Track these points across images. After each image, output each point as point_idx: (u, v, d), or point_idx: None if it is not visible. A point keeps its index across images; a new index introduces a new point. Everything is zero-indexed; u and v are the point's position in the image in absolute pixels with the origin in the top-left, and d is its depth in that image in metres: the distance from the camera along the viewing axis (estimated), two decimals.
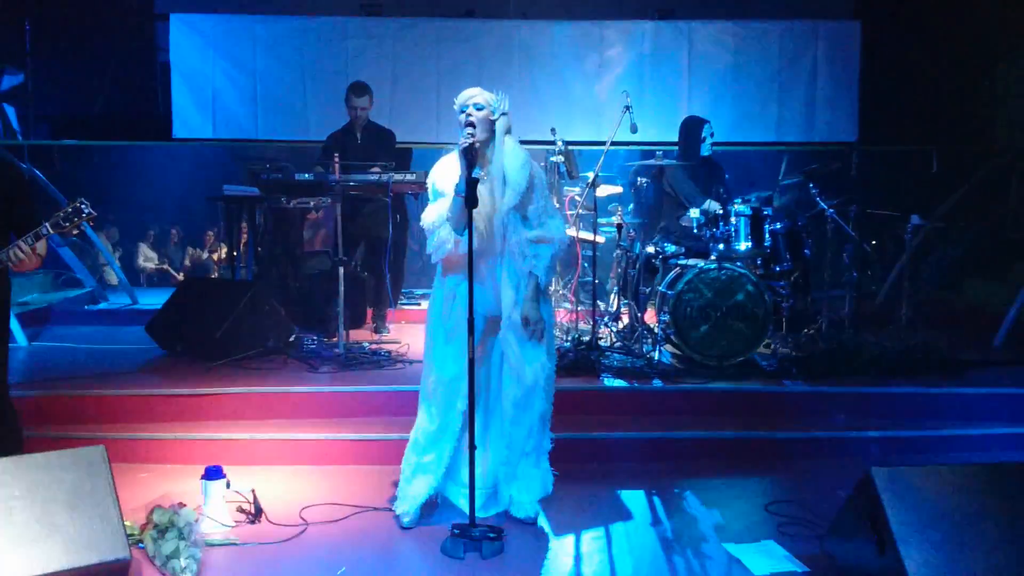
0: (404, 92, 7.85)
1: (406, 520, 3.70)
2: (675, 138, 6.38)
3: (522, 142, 3.71)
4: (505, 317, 3.61)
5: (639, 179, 5.75)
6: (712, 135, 6.19)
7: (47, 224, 3.50)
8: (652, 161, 6.04)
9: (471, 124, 3.47)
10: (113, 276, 8.05)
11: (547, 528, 3.75)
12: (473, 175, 3.37)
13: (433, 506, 3.83)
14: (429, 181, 3.68)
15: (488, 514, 3.76)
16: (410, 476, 3.75)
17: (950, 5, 7.98)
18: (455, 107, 3.56)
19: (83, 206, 3.55)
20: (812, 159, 6.79)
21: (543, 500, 3.82)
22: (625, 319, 5.95)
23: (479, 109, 3.50)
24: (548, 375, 3.69)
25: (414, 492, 3.73)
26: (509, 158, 3.54)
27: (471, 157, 3.41)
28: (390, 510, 3.84)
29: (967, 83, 8.47)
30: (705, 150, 6.17)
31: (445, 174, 3.60)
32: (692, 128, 6.18)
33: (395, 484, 3.91)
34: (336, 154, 5.93)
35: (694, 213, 5.66)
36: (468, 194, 3.32)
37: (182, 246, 10.95)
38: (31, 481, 3.05)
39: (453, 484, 3.86)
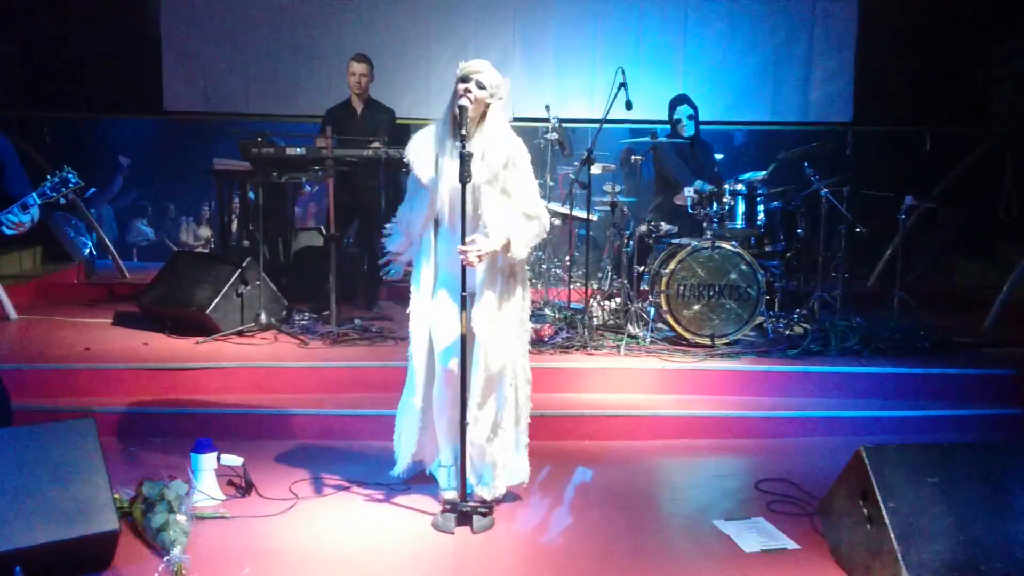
0: (398, 66, 7.78)
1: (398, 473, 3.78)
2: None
3: (516, 119, 3.68)
4: (479, 294, 3.52)
5: (632, 157, 5.72)
6: (692, 116, 6.18)
7: (34, 194, 3.48)
8: (640, 139, 6.02)
9: (468, 100, 3.39)
10: (104, 249, 7.99)
11: (538, 504, 3.76)
12: (465, 151, 3.31)
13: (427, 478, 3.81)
14: (407, 158, 3.57)
15: (450, 485, 3.69)
16: (410, 443, 3.71)
17: None
18: (459, 71, 3.44)
19: (70, 176, 3.52)
20: (807, 139, 6.77)
21: (533, 476, 3.81)
22: (618, 298, 5.94)
23: (480, 88, 3.42)
24: (520, 363, 3.62)
25: (415, 457, 3.73)
26: (492, 135, 3.48)
27: (464, 122, 3.34)
28: (380, 485, 3.85)
29: (962, 64, 8.44)
30: (688, 130, 6.17)
31: (421, 154, 3.52)
32: (670, 106, 6.24)
33: (386, 459, 3.91)
34: (330, 128, 5.89)
35: (688, 192, 5.65)
36: (461, 169, 3.29)
37: (176, 220, 10.89)
38: (20, 453, 3.03)
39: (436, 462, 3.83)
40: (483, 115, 3.48)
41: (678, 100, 6.30)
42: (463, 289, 3.38)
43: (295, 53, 8.06)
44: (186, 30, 8.03)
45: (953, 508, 2.96)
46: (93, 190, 8.71)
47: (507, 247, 3.45)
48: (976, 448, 3.15)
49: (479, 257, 3.38)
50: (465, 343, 3.42)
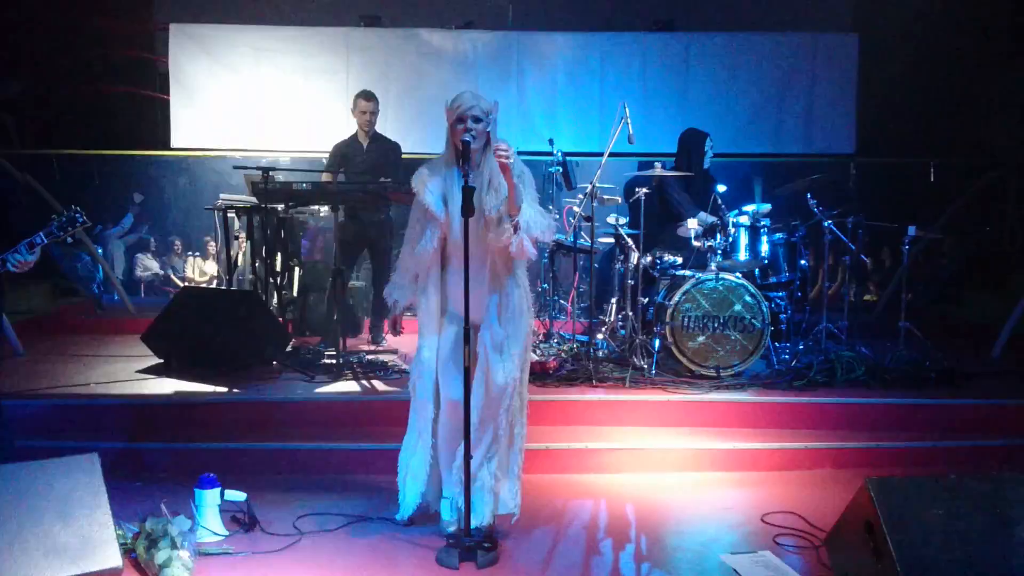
0: (403, 103, 7.88)
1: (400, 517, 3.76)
2: (672, 149, 6.38)
3: (521, 152, 3.69)
4: (486, 323, 3.55)
5: (637, 190, 5.75)
6: (711, 148, 6.21)
7: (41, 233, 3.52)
8: (649, 172, 6.04)
9: (471, 137, 3.42)
10: (111, 285, 8.04)
11: (543, 538, 3.73)
12: (470, 184, 3.35)
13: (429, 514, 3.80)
14: (416, 191, 3.58)
15: (451, 518, 3.70)
16: (419, 483, 3.71)
17: (947, 18, 8.01)
18: (451, 110, 3.49)
19: (77, 215, 3.57)
20: (810, 171, 6.79)
21: (537, 510, 3.80)
22: (623, 330, 5.94)
23: (478, 122, 3.46)
24: (518, 390, 3.61)
25: (424, 498, 3.74)
26: (494, 160, 3.50)
27: (468, 158, 3.39)
28: (384, 519, 3.83)
29: (963, 95, 8.49)
30: (706, 163, 6.19)
31: (430, 187, 3.55)
32: (695, 141, 6.17)
33: (390, 493, 3.90)
34: (337, 163, 5.92)
35: (692, 224, 5.67)
36: (464, 203, 3.32)
37: (183, 255, 10.93)
38: (23, 489, 3.04)
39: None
40: (485, 143, 3.51)
41: (703, 134, 6.26)
42: (466, 322, 3.39)
43: (303, 89, 8.16)
44: (194, 67, 8.13)
45: (960, 541, 2.93)
46: (100, 227, 8.78)
47: (516, 222, 3.41)
48: (983, 480, 3.11)
49: (509, 155, 3.34)
50: (468, 375, 3.43)
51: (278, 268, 6.57)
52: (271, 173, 5.73)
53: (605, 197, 6.43)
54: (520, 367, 3.61)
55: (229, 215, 6.49)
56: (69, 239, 3.56)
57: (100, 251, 8.17)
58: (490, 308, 3.56)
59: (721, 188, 6.01)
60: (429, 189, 3.55)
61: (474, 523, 3.56)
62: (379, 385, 5.22)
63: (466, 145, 3.39)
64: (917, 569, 2.84)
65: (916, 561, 2.86)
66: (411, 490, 3.72)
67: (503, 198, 3.45)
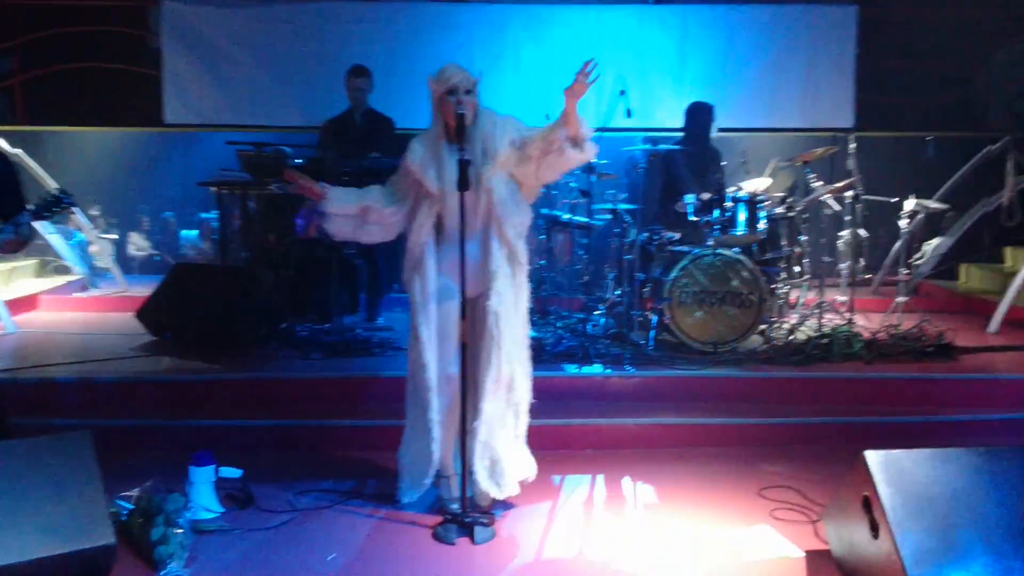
0: (397, 77, 7.78)
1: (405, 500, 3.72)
2: (670, 123, 6.35)
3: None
4: (494, 292, 3.53)
5: (635, 165, 5.71)
6: (715, 121, 6.17)
7: (26, 213, 3.50)
8: (652, 146, 5.99)
9: (464, 109, 3.41)
10: (104, 262, 7.99)
11: (541, 514, 3.73)
12: (464, 156, 3.33)
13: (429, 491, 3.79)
14: (412, 166, 3.57)
15: (453, 494, 3.70)
16: (428, 465, 3.68)
17: None
18: (438, 83, 3.49)
19: (63, 196, 3.55)
20: (809, 145, 6.74)
21: (535, 486, 3.80)
22: (620, 306, 5.91)
23: (468, 93, 3.47)
24: (527, 358, 3.68)
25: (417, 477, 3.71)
26: (486, 127, 3.51)
27: (463, 130, 3.38)
28: (381, 496, 3.82)
29: (963, 69, 8.43)
30: (712, 132, 6.15)
31: (426, 163, 3.55)
32: (703, 114, 6.12)
33: (386, 470, 3.89)
34: (330, 138, 5.86)
35: (688, 199, 5.63)
36: (461, 176, 3.31)
37: (177, 232, 10.86)
38: (16, 466, 3.01)
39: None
40: (475, 115, 3.51)
41: (708, 106, 6.20)
42: (462, 295, 3.38)
43: (296, 64, 8.08)
44: (186, 44, 8.04)
45: (958, 514, 2.92)
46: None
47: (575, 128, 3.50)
48: (981, 453, 3.10)
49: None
50: (466, 349, 3.41)
51: (273, 244, 6.53)
52: (263, 149, 5.68)
53: (602, 173, 6.37)
54: (526, 333, 3.67)
55: (223, 191, 6.44)
56: (56, 219, 3.55)
57: (93, 228, 8.11)
58: (498, 277, 3.53)
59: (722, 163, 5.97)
60: (425, 166, 3.54)
61: (502, 495, 3.61)
62: (374, 362, 5.20)
63: (460, 118, 3.37)
64: (914, 543, 2.83)
65: (913, 534, 2.85)
66: (420, 472, 3.68)
67: (500, 161, 3.45)
